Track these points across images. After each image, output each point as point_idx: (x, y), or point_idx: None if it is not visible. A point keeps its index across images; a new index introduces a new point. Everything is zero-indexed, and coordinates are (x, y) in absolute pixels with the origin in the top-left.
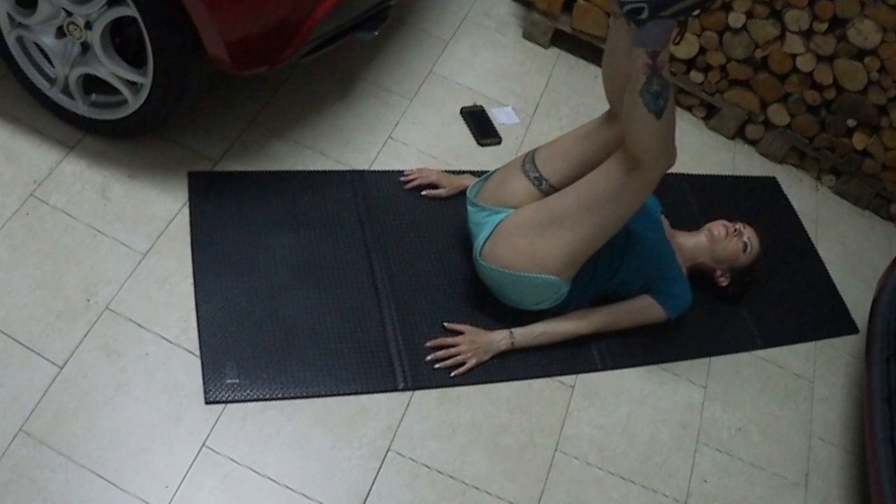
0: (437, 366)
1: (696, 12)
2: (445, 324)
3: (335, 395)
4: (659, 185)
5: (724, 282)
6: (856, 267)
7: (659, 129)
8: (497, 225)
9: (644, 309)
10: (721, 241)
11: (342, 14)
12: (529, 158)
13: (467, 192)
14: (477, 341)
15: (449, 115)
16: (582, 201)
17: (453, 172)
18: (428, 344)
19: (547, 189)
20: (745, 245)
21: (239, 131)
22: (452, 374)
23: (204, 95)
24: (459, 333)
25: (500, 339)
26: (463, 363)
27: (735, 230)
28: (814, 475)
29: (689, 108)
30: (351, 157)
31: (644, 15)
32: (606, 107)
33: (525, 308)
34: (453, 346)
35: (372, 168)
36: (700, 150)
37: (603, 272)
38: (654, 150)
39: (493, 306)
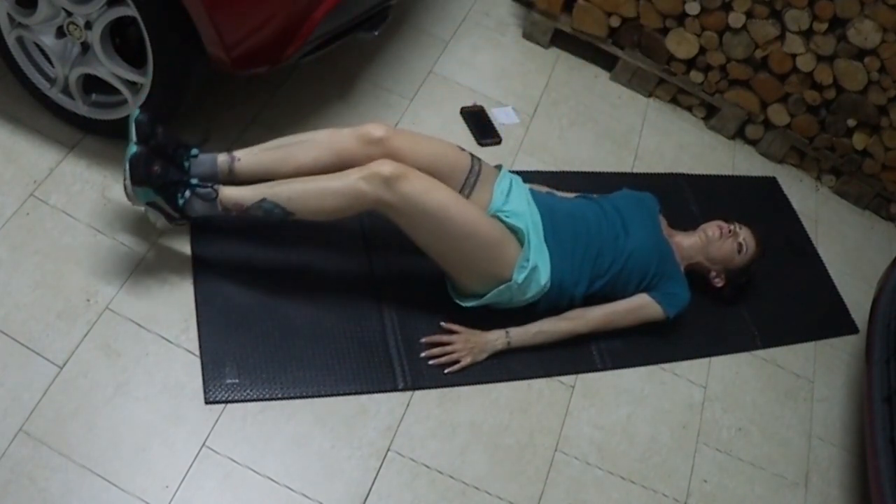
0: (430, 362)
1: (187, 192)
2: (442, 323)
3: (335, 395)
4: (658, 185)
5: (719, 283)
6: (856, 267)
7: (305, 213)
8: None
9: (642, 307)
10: (715, 241)
11: (342, 14)
12: None
13: None
14: (472, 340)
15: (449, 115)
16: (423, 245)
17: None
18: (423, 340)
19: None
20: (741, 246)
21: (239, 131)
22: (446, 371)
23: (204, 95)
24: (456, 332)
25: (496, 338)
26: (457, 361)
27: (730, 231)
28: (814, 475)
29: (689, 108)
30: None
31: (184, 221)
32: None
33: (511, 307)
34: (448, 343)
35: None
36: (700, 150)
37: (597, 266)
38: (340, 209)
39: (491, 307)
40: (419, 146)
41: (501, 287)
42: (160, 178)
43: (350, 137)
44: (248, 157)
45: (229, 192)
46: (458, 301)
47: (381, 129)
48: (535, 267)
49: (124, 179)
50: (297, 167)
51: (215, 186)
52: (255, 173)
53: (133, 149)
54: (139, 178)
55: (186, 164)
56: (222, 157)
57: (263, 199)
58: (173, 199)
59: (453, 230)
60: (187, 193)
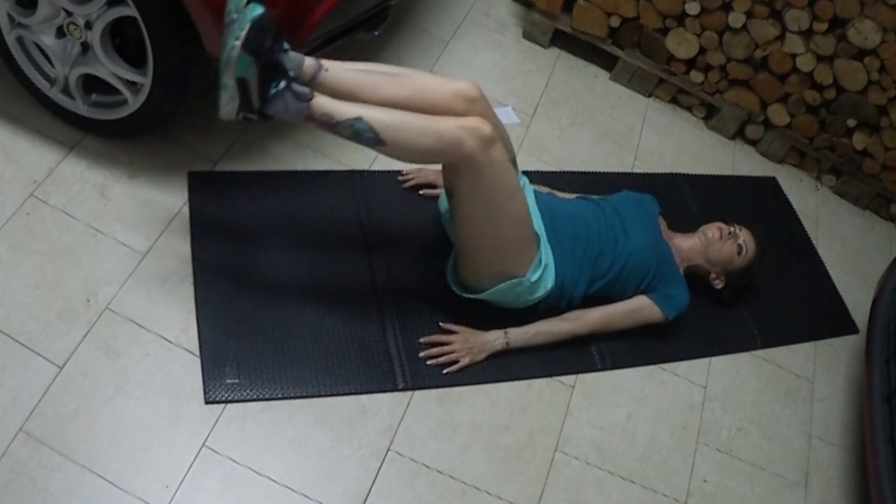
0: (429, 362)
1: (283, 83)
2: (441, 323)
3: (335, 395)
4: (658, 185)
5: (718, 284)
6: (856, 267)
7: (396, 147)
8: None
9: (641, 309)
10: (715, 243)
11: (342, 14)
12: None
13: (440, 205)
14: (471, 340)
15: None
16: (464, 217)
17: None
18: (422, 340)
19: None
20: (740, 248)
21: (239, 131)
22: (445, 371)
23: (204, 95)
24: (455, 333)
25: (496, 338)
26: (456, 361)
27: (730, 233)
28: (814, 475)
29: (689, 108)
30: (351, 156)
31: (254, 116)
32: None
33: (514, 307)
34: (447, 343)
35: (372, 168)
36: (700, 150)
37: (597, 267)
38: (431, 153)
39: (491, 306)
40: (495, 120)
41: (512, 282)
42: (269, 54)
43: (445, 89)
44: (336, 71)
45: (324, 101)
46: (458, 291)
47: (475, 89)
48: (546, 266)
49: (234, 40)
50: (384, 98)
51: (312, 90)
52: (337, 90)
53: (258, 10)
54: (253, 44)
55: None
56: (309, 62)
57: (359, 118)
58: (266, 85)
59: (509, 212)
60: (282, 85)
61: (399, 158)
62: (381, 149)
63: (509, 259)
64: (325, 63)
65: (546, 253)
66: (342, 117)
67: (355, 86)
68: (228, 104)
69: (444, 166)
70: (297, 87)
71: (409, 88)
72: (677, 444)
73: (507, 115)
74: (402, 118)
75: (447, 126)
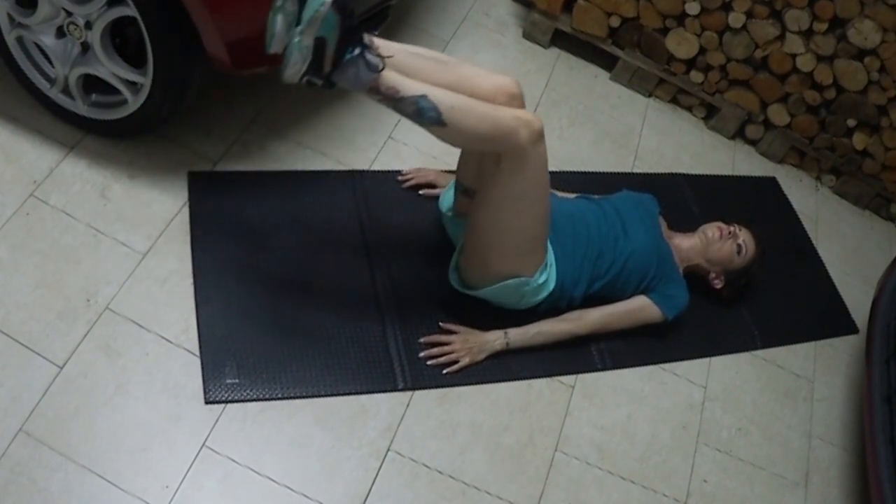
0: (429, 362)
1: (358, 49)
2: (441, 323)
3: (335, 395)
4: (658, 185)
5: (718, 284)
6: (856, 267)
7: (455, 129)
8: (459, 246)
9: (641, 309)
10: (715, 242)
11: None
12: (456, 175)
13: (440, 204)
14: (471, 340)
15: None
16: (492, 208)
17: (451, 172)
18: (422, 340)
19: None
20: (740, 248)
21: (239, 131)
22: (444, 371)
23: (204, 95)
24: (455, 333)
25: (495, 339)
26: (455, 361)
27: (730, 232)
28: (814, 475)
29: (689, 108)
30: (351, 156)
31: (319, 81)
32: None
33: (516, 308)
34: (447, 343)
35: (372, 168)
36: (700, 150)
37: (597, 267)
38: (485, 139)
39: (491, 306)
40: None
41: (520, 280)
42: (351, 19)
43: (487, 82)
44: (384, 49)
45: (392, 74)
46: (459, 288)
47: (516, 86)
48: (551, 267)
49: None
50: (431, 83)
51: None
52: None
53: None
54: (342, 3)
55: None
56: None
57: (424, 96)
58: (342, 50)
59: (537, 210)
60: (356, 52)
61: (450, 142)
62: (438, 130)
63: (522, 257)
64: (376, 39)
65: (549, 254)
66: (408, 93)
67: (403, 66)
68: (296, 64)
69: (466, 161)
70: (370, 55)
71: (453, 76)
72: (677, 444)
73: None
74: (464, 102)
75: (503, 115)
